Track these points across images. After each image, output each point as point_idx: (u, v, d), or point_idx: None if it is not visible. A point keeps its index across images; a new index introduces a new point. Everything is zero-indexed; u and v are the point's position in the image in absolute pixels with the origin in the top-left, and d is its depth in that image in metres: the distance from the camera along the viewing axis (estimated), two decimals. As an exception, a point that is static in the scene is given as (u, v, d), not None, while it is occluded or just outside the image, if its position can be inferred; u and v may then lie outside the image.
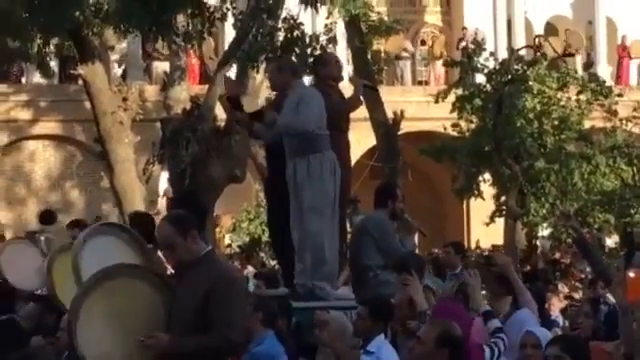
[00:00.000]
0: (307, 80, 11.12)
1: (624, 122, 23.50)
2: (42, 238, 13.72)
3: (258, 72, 16.95)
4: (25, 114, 27.52)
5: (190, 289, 5.58)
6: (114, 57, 26.90)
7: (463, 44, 27.59)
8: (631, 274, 6.18)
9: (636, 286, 6.05)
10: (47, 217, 14.80)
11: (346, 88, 10.08)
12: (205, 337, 5.55)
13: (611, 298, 11.13)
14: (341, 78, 9.91)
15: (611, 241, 22.95)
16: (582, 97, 22.84)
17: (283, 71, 9.23)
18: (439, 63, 30.09)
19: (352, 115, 9.83)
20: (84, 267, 5.90)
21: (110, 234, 6.32)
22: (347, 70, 22.81)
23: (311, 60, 11.82)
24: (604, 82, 24.22)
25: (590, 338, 7.58)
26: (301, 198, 8.57)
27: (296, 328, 8.21)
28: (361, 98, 10.31)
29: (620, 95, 23.72)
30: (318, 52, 16.63)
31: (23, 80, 28.05)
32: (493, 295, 7.89)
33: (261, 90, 18.40)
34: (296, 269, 8.87)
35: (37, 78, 26.83)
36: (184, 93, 19.87)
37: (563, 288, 15.45)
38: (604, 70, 29.28)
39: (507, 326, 7.48)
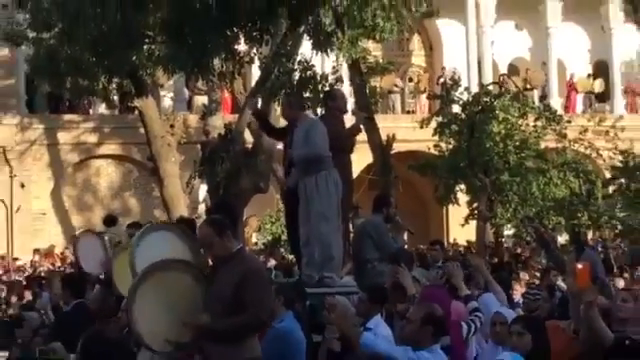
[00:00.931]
0: (319, 111, 11.14)
1: (572, 143, 23.43)
2: (106, 237, 13.66)
3: (279, 105, 16.98)
4: (92, 138, 27.57)
5: (224, 279, 5.57)
6: (163, 92, 26.90)
7: (442, 81, 27.47)
8: (579, 266, 6.14)
9: (583, 275, 6.02)
10: (110, 221, 14.73)
11: (349, 119, 10.12)
12: (237, 317, 5.52)
13: (563, 285, 11.10)
14: (346, 110, 9.95)
15: (562, 239, 22.87)
16: (538, 123, 22.76)
17: (293, 106, 9.31)
18: (423, 96, 30.05)
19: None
20: (138, 262, 5.86)
21: (164, 229, 6.33)
22: (350, 103, 22.83)
23: (322, 95, 11.80)
24: (556, 111, 24.16)
25: (547, 318, 7.52)
26: (311, 207, 8.57)
27: (310, 309, 8.19)
28: (361, 127, 10.37)
29: (569, 121, 23.64)
30: (327, 88, 16.64)
31: (91, 111, 28.07)
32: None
33: (280, 120, 18.40)
34: (303, 262, 8.88)
35: (102, 109, 26.97)
36: (219, 121, 19.91)
37: (524, 277, 15.40)
38: (556, 101, 29.18)
39: (480, 303, 7.50)
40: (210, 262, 6.28)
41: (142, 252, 5.92)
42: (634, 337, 5.85)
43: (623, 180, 22.99)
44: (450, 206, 25.16)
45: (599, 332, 5.88)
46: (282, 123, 10.56)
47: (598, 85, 31.89)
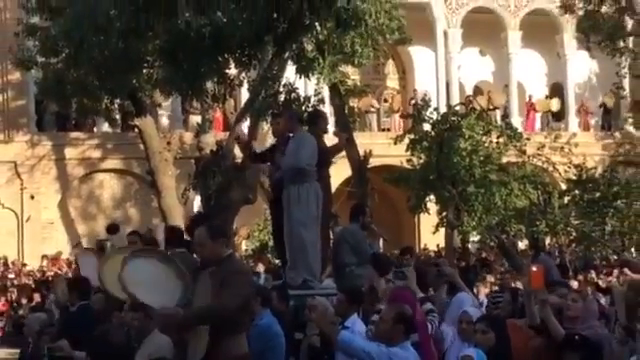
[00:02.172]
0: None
1: (531, 158, 23.53)
2: (108, 244, 13.70)
3: (266, 123, 17.00)
4: (96, 153, 27.48)
5: (212, 280, 5.54)
6: (161, 112, 26.86)
7: (414, 101, 27.61)
8: (533, 268, 6.19)
9: (537, 277, 6.07)
10: (112, 229, 14.70)
11: (331, 139, 10.14)
12: (206, 305, 5.46)
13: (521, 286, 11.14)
14: (327, 130, 9.99)
15: (522, 245, 22.95)
16: (501, 140, 22.83)
17: (293, 119, 9.31)
18: (397, 116, 30.09)
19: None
20: (126, 277, 5.73)
21: (149, 257, 6.10)
22: (330, 121, 22.87)
23: (305, 115, 11.84)
24: (516, 129, 24.24)
25: (507, 317, 7.55)
26: (293, 215, 8.60)
27: (293, 309, 8.20)
28: (343, 146, 10.48)
29: (528, 138, 23.71)
30: (310, 109, 16.69)
31: (95, 129, 27.98)
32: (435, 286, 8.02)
33: (267, 138, 18.44)
34: (287, 266, 8.90)
35: (105, 127, 26.87)
36: (212, 138, 19.85)
37: (490, 279, 15.45)
38: (516, 120, 29.30)
39: (452, 304, 7.53)
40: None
41: (131, 272, 5.77)
42: (583, 333, 5.91)
43: (577, 191, 23.08)
44: (421, 215, 25.19)
45: (552, 328, 5.94)
46: (268, 142, 10.63)
47: (554, 105, 32.04)
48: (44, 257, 23.80)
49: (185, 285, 5.67)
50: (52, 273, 20.86)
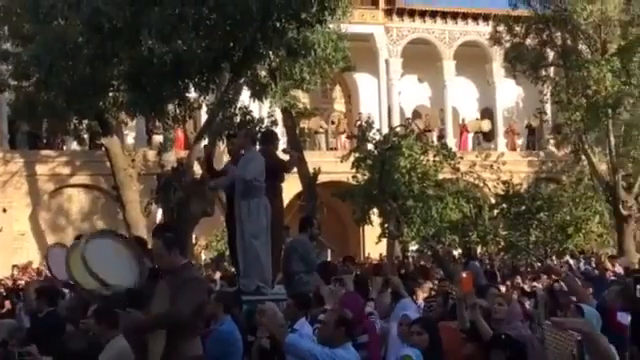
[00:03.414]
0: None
1: (464, 175, 23.78)
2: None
3: (222, 143, 16.91)
4: (65, 170, 27.04)
5: (168, 287, 5.46)
6: (126, 131, 26.58)
7: (359, 123, 27.71)
8: (464, 274, 6.23)
9: (467, 282, 6.10)
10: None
11: (281, 156, 10.12)
12: (164, 311, 5.38)
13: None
14: (277, 148, 9.96)
15: (456, 253, 23.15)
16: (437, 159, 23.03)
17: (247, 137, 9.27)
18: (343, 136, 30.27)
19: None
20: (88, 255, 5.65)
21: (109, 237, 6.11)
22: (282, 141, 22.85)
23: (259, 136, 11.82)
24: (450, 149, 24.51)
25: (440, 320, 7.58)
26: (244, 228, 8.54)
27: (246, 314, 8.13)
28: (294, 164, 10.45)
29: (461, 157, 23.98)
30: (264, 130, 16.66)
31: (64, 147, 27.54)
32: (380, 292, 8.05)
33: (224, 155, 18.36)
34: (241, 274, 8.83)
35: (74, 146, 26.49)
36: (173, 156, 19.72)
37: (427, 284, 15.47)
38: (450, 141, 29.65)
39: (396, 308, 7.55)
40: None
41: (92, 249, 5.72)
42: (508, 333, 5.95)
43: (505, 205, 23.38)
44: (366, 226, 25.30)
45: (481, 329, 5.97)
46: (225, 160, 10.57)
47: (485, 127, 32.44)
48: (14, 267, 23.27)
49: (140, 269, 5.66)
50: (23, 282, 20.39)
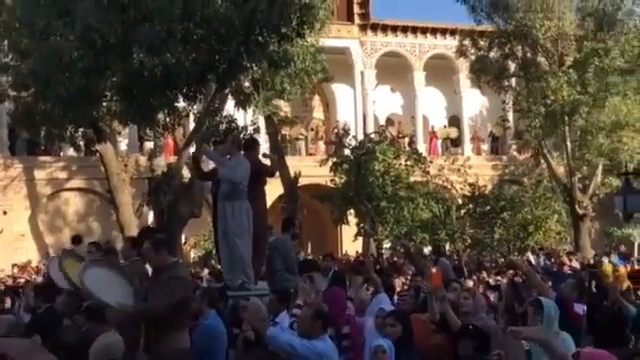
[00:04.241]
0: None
1: (433, 178, 23.87)
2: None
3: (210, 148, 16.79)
4: (62, 174, 26.80)
5: (155, 284, 5.44)
6: (120, 138, 26.38)
7: (336, 130, 27.80)
8: (433, 270, 6.25)
9: (436, 277, 6.12)
10: (76, 240, 14.30)
11: (266, 161, 10.09)
12: (139, 306, 5.38)
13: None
14: (259, 153, 9.94)
15: (427, 250, 23.24)
16: (408, 163, 23.14)
17: (233, 144, 9.23)
18: (322, 142, 30.27)
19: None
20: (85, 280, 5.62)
21: (104, 267, 6.01)
22: (265, 147, 22.81)
23: (243, 142, 11.79)
24: (421, 154, 24.63)
25: (412, 312, 7.60)
26: (229, 228, 8.50)
27: (231, 308, 8.09)
28: (276, 168, 10.44)
29: (431, 162, 24.12)
30: (247, 137, 16.60)
31: (61, 153, 27.29)
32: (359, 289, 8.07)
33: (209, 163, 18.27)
34: (224, 271, 8.79)
35: (70, 152, 26.21)
36: (163, 162, 19.64)
37: (400, 279, 15.52)
38: (421, 146, 29.72)
39: (373, 302, 7.56)
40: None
41: (89, 275, 5.65)
42: (475, 324, 5.98)
43: (471, 205, 23.45)
44: (343, 226, 25.32)
45: (450, 320, 5.99)
46: (211, 164, 10.51)
47: (453, 133, 32.56)
48: (14, 265, 23.03)
49: (134, 290, 5.58)
50: (22, 280, 20.19)
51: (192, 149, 17.75)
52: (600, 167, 24.45)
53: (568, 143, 24.12)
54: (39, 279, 17.74)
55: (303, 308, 5.58)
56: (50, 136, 19.93)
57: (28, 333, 7.69)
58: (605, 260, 19.76)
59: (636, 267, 20.58)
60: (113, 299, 5.41)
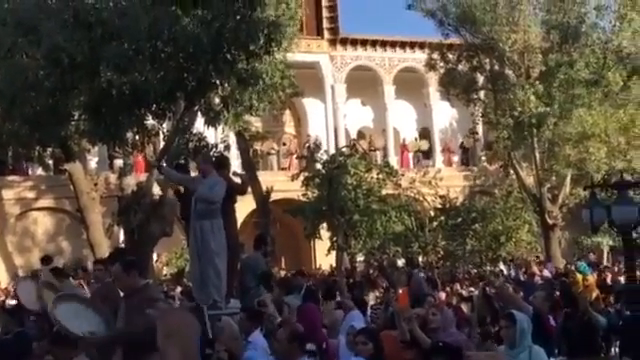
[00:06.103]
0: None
1: (405, 190, 23.97)
2: (42, 274, 13.12)
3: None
4: (30, 194, 26.49)
5: (126, 308, 5.40)
6: (90, 156, 26.12)
7: (308, 145, 27.82)
8: (400, 290, 6.25)
9: (402, 298, 6.13)
10: (46, 260, 14.13)
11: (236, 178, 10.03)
12: (118, 329, 5.34)
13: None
14: (230, 171, 9.89)
15: (400, 262, 23.30)
16: (380, 176, 23.20)
17: (207, 162, 9.13)
18: (294, 157, 30.26)
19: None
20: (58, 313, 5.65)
21: (73, 301, 6.00)
22: (237, 163, 22.75)
23: (214, 160, 11.71)
24: (393, 167, 24.73)
25: (384, 328, 7.59)
26: (207, 246, 8.39)
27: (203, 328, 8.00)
28: (247, 185, 10.38)
29: (402, 174, 24.23)
30: (217, 154, 16.52)
31: (30, 172, 26.98)
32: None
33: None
34: (198, 290, 8.66)
35: (39, 171, 25.94)
36: (133, 180, 19.39)
37: (374, 293, 15.48)
38: (392, 159, 29.85)
39: (346, 320, 7.54)
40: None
41: (61, 309, 5.67)
42: (445, 341, 5.99)
43: (442, 217, 23.61)
44: (316, 240, 25.28)
45: (419, 338, 5.99)
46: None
47: (423, 146, 32.73)
48: (-18, 287, 22.66)
49: (105, 319, 5.54)
50: (-9, 302, 19.83)
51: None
52: (569, 177, 24.75)
53: (537, 154, 24.40)
54: (9, 301, 17.47)
55: (278, 331, 5.52)
56: (18, 156, 19.73)
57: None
58: (572, 268, 19.89)
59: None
60: (85, 330, 5.38)
